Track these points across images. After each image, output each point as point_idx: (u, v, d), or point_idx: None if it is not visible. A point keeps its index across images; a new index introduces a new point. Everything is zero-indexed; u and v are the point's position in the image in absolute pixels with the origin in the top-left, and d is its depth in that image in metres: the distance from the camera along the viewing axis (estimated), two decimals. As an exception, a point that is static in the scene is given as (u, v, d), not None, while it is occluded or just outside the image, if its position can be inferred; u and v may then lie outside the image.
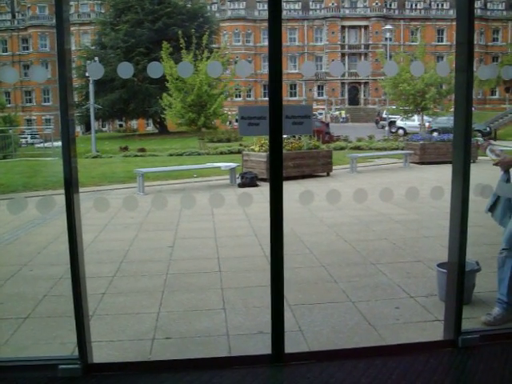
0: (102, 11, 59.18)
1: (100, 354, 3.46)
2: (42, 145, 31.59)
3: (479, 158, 17.56)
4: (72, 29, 56.00)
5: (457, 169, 3.35)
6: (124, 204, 3.53)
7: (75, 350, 3.26)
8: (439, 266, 4.43)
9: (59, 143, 3.00)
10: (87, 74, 29.03)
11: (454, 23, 3.35)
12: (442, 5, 66.63)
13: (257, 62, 61.21)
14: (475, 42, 3.33)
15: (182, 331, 3.99)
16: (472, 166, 3.40)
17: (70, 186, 3.01)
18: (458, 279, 3.41)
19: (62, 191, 3.03)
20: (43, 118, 57.39)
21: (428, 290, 4.78)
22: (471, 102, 3.34)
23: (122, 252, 6.44)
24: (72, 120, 3.02)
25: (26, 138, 37.13)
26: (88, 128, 41.14)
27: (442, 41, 64.21)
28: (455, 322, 3.45)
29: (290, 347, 3.38)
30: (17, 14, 64.06)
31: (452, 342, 3.47)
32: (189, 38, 27.41)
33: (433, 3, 67.20)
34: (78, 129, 47.03)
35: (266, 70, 2.82)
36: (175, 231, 7.66)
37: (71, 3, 60.58)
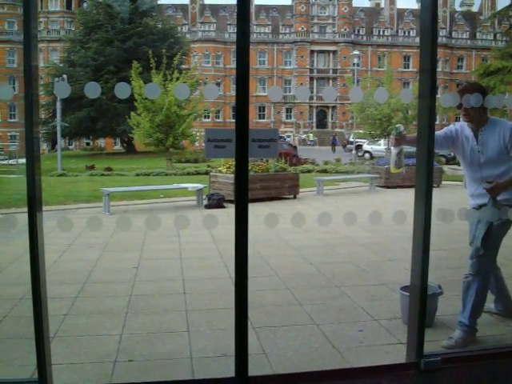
0: (72, 29, 59.08)
1: (61, 377, 3.39)
2: (6, 161, 31.07)
3: (443, 182, 17.97)
4: (41, 45, 55.69)
5: (419, 193, 3.40)
6: (88, 224, 3.49)
7: (35, 372, 3.18)
8: (402, 289, 4.47)
9: (24, 160, 2.95)
10: (54, 92, 28.81)
11: (419, 51, 3.44)
12: (409, 32, 68.30)
13: (226, 83, 61.63)
14: (440, 70, 3.42)
15: (144, 354, 3.94)
16: (435, 190, 3.47)
17: (34, 204, 2.96)
18: (421, 302, 3.45)
19: (25, 209, 2.98)
20: (8, 134, 56.57)
21: (391, 313, 4.82)
22: (434, 128, 3.41)
23: (85, 273, 6.34)
24: (37, 137, 2.98)
25: (-11, 154, 36.51)
26: (54, 146, 40.68)
27: (408, 67, 65.71)
28: (417, 344, 3.47)
29: (253, 370, 3.36)
30: (-16, 28, 63.38)
31: (414, 365, 3.49)
32: (159, 58, 27.44)
33: (400, 30, 68.82)
34: (44, 146, 46.50)
35: (235, 92, 2.84)
36: (140, 252, 7.58)
37: (41, 19, 60.31)
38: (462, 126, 4.15)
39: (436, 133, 3.76)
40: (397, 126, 4.22)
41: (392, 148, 4.27)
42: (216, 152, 3.05)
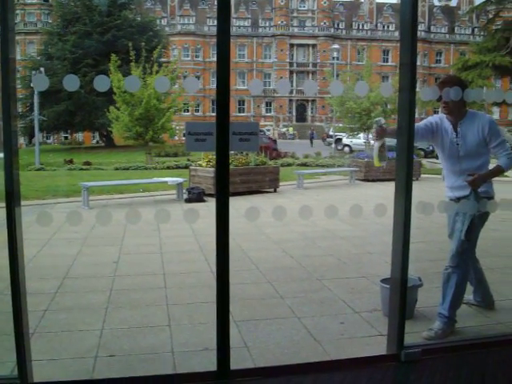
0: (50, 21, 58.30)
1: (41, 373, 3.35)
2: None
3: (422, 175, 18.12)
4: (17, 38, 54.90)
5: (399, 186, 3.43)
6: (68, 218, 3.46)
7: (15, 369, 3.16)
8: (383, 281, 4.51)
9: (0, 154, 2.91)
10: (32, 85, 28.46)
11: (399, 45, 3.45)
12: (388, 26, 68.65)
13: (206, 77, 61.41)
14: (419, 64, 3.44)
15: (126, 348, 3.92)
16: (414, 183, 3.49)
17: (12, 199, 2.93)
18: (401, 294, 3.49)
19: (3, 204, 2.94)
20: (-16, 128, 55.77)
21: (372, 305, 4.86)
22: (413, 121, 3.44)
23: (65, 267, 6.28)
24: (15, 131, 2.94)
25: (-35, 148, 36.00)
26: (31, 140, 40.23)
27: (387, 61, 66.06)
28: (398, 336, 3.51)
29: (235, 363, 3.36)
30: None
31: (395, 357, 3.53)
32: (138, 51, 27.22)
33: (379, 24, 69.10)
34: (22, 140, 45.89)
35: (214, 86, 2.83)
36: (120, 246, 7.54)
37: (17, 12, 59.44)
38: (442, 119, 4.18)
39: (416, 124, 3.78)
40: (377, 119, 4.24)
41: (374, 141, 4.29)
42: (197, 145, 3.05)
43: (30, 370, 3.14)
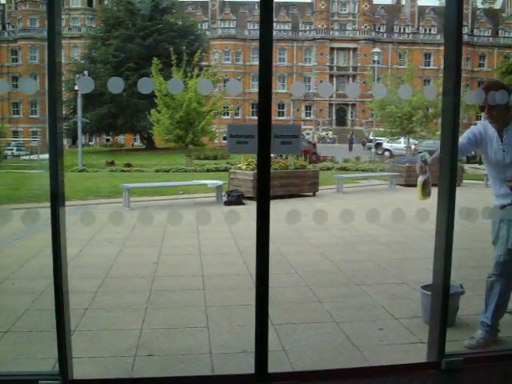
0: (93, 25, 59.41)
1: (81, 370, 3.41)
2: (27, 157, 31.39)
3: (464, 181, 17.79)
4: (62, 42, 55.94)
5: (443, 192, 3.37)
6: (110, 219, 3.51)
7: (56, 365, 3.21)
8: (423, 288, 4.44)
9: (45, 156, 2.96)
10: (76, 88, 29.00)
11: (442, 48, 3.40)
12: (430, 30, 67.67)
13: (246, 80, 61.46)
14: (462, 68, 3.37)
15: (164, 348, 3.96)
16: (457, 189, 3.43)
17: (57, 199, 2.98)
18: (443, 302, 3.42)
19: (47, 204, 3.00)
20: (30, 130, 57.15)
21: (412, 311, 4.78)
22: (458, 126, 3.37)
23: (105, 267, 6.38)
24: (60, 133, 3.00)
25: (11, 149, 36.89)
26: (75, 141, 40.99)
27: (429, 65, 65.12)
28: (439, 344, 3.44)
29: (273, 367, 3.35)
30: (7, 25, 64.06)
31: (435, 365, 3.47)
32: (179, 55, 27.49)
33: (421, 28, 68.19)
34: (65, 142, 46.83)
35: (254, 89, 2.84)
36: (160, 248, 7.61)
37: (62, 16, 60.54)
38: (485, 126, 4.08)
39: (460, 140, 3.69)
40: (421, 153, 4.16)
41: (419, 176, 4.22)
42: (238, 148, 3.05)
43: (70, 366, 3.19)
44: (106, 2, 58.98)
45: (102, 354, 3.83)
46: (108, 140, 54.98)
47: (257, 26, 2.97)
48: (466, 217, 3.67)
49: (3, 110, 59.01)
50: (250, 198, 12.43)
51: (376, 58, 49.87)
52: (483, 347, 3.92)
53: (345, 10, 68.93)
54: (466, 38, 62.84)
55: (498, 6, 71.83)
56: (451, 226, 3.34)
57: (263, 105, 3.02)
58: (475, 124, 4.25)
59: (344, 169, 23.47)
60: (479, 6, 70.79)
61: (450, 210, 3.32)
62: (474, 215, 3.65)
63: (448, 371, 3.44)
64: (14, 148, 38.02)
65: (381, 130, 35.63)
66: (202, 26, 61.45)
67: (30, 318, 4.61)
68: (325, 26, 67.60)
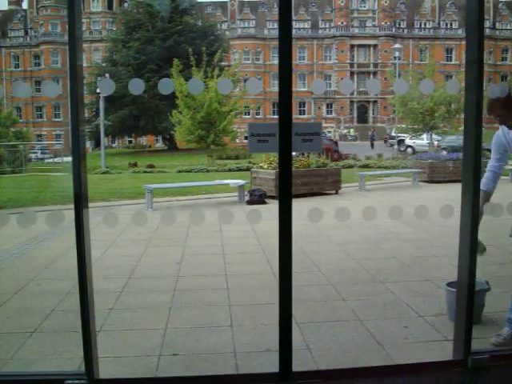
0: (114, 28, 59.94)
1: (107, 370, 3.44)
2: (51, 160, 31.77)
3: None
4: (83, 46, 56.54)
5: (466, 188, 3.33)
6: (133, 220, 3.54)
7: (82, 365, 3.24)
8: (448, 285, 4.39)
9: (69, 158, 3.00)
10: (98, 91, 29.30)
11: (463, 42, 3.37)
12: (451, 24, 66.94)
13: (266, 79, 61.43)
14: (484, 62, 3.33)
15: (189, 348, 3.97)
16: (481, 184, 3.39)
17: (80, 200, 3.01)
18: (468, 299, 3.38)
19: (71, 206, 3.03)
20: (53, 133, 57.91)
21: (437, 309, 4.74)
22: (481, 121, 3.33)
23: (129, 268, 6.43)
24: (83, 136, 3.03)
25: (35, 152, 37.35)
26: (98, 144, 41.36)
27: (450, 60, 64.43)
28: (465, 341, 3.41)
29: (297, 365, 3.34)
30: (29, 30, 64.91)
31: (462, 362, 3.43)
32: (199, 56, 27.60)
33: (442, 23, 67.50)
34: (88, 144, 47.32)
35: (274, 88, 2.84)
36: (183, 247, 7.65)
37: (83, 20, 61.19)
38: (502, 129, 4.02)
39: (492, 163, 3.68)
40: None
41: None
42: (259, 147, 3.05)
43: (96, 366, 3.22)
44: (126, 5, 59.46)
45: (126, 354, 3.86)
46: (130, 142, 55.42)
47: (276, 25, 2.96)
48: (491, 212, 3.62)
49: (27, 114, 59.87)
50: (272, 197, 12.43)
51: (397, 54, 49.44)
52: (510, 344, 3.87)
53: (364, 7, 68.49)
54: (487, 31, 61.99)
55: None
56: (476, 222, 3.31)
57: (284, 103, 3.02)
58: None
59: (366, 166, 23.33)
60: (501, -2, 69.87)
61: (474, 206, 3.28)
62: (499, 211, 3.61)
63: (474, 369, 3.40)
64: (39, 151, 38.47)
65: (403, 126, 35.39)
66: (221, 26, 61.62)
67: (56, 318, 4.67)
68: (344, 23, 67.28)
